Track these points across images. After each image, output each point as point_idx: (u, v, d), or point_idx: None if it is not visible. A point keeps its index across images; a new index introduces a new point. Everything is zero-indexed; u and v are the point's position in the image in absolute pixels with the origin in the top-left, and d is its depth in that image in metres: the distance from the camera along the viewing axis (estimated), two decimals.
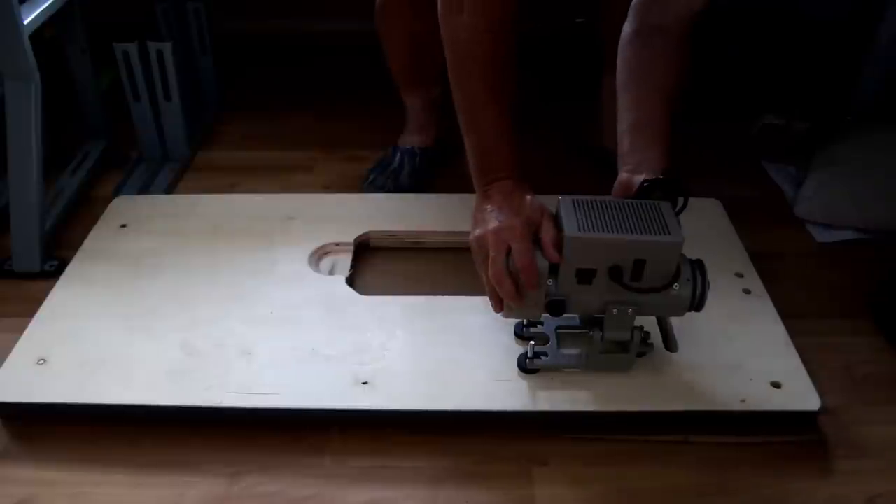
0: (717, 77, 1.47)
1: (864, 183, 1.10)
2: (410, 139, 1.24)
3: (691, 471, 0.75)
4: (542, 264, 0.71)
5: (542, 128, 1.38)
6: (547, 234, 0.72)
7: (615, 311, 0.74)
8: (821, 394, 0.79)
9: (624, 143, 0.79)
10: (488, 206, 0.75)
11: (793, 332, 0.87)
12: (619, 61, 0.84)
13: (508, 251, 0.72)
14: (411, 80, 1.20)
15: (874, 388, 0.85)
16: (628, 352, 0.79)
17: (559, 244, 0.71)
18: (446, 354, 0.83)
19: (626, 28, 0.84)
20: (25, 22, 0.97)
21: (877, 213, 1.09)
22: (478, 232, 0.75)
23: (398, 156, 1.22)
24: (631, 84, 0.82)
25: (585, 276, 0.72)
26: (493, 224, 0.73)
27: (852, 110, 1.31)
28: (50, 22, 1.06)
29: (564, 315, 0.76)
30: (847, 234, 1.09)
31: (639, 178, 0.75)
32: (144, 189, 1.18)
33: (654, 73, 0.81)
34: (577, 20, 1.56)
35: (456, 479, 0.74)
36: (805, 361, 0.83)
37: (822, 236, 1.10)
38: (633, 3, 0.83)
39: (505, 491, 0.73)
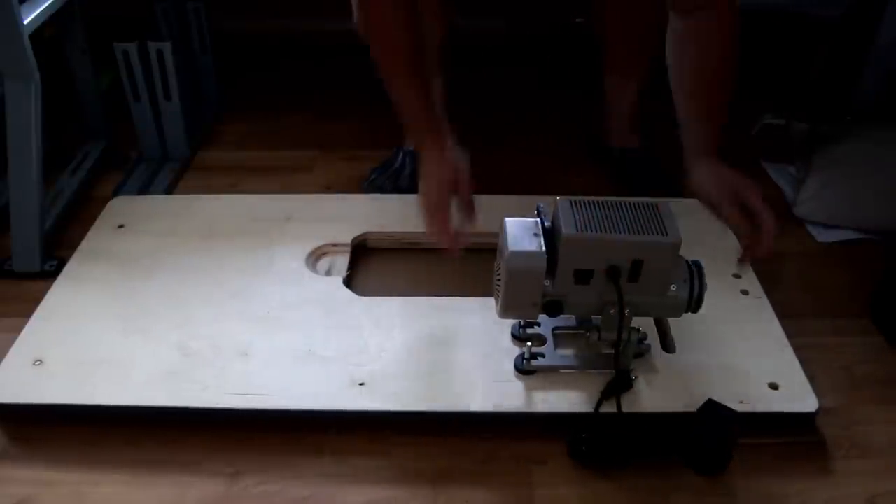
0: None
1: (864, 183, 1.09)
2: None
3: (690, 470, 0.75)
4: (540, 263, 0.71)
5: (544, 127, 1.38)
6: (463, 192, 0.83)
7: (612, 311, 0.74)
8: (820, 394, 0.79)
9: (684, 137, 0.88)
10: (421, 166, 0.86)
11: (793, 332, 0.87)
12: (668, 55, 0.89)
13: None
14: None
15: (874, 388, 0.85)
16: (625, 352, 0.78)
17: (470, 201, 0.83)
18: (443, 355, 0.83)
19: (669, 29, 0.88)
20: (25, 22, 0.97)
21: (877, 213, 1.09)
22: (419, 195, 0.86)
23: (401, 156, 1.22)
24: (678, 78, 0.88)
25: (583, 277, 0.72)
26: (424, 189, 0.84)
27: (852, 110, 1.30)
28: (50, 22, 1.06)
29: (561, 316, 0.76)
30: (847, 234, 1.09)
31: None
32: (144, 189, 1.18)
33: (702, 66, 0.86)
34: (577, 20, 1.56)
35: (455, 479, 0.74)
36: (805, 361, 0.83)
37: (822, 236, 1.09)
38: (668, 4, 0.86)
39: (504, 491, 0.73)
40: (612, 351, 0.76)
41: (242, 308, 0.90)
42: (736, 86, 0.88)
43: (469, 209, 0.84)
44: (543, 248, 0.72)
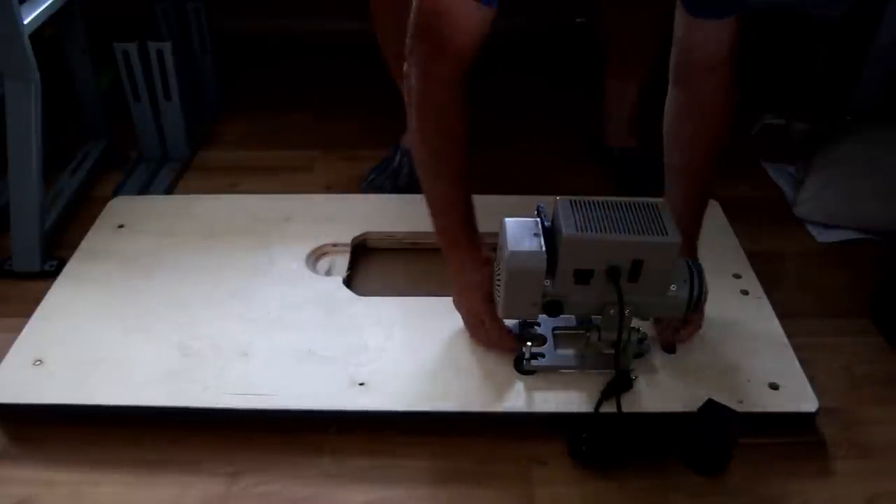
0: None
1: (864, 183, 1.09)
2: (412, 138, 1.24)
3: (690, 470, 0.75)
4: (540, 264, 0.71)
5: (544, 128, 1.38)
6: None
7: (612, 311, 0.74)
8: (820, 394, 0.79)
9: None
10: (456, 278, 0.85)
11: (793, 332, 0.87)
12: (665, 124, 0.88)
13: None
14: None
15: (874, 388, 0.85)
16: (625, 352, 0.78)
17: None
18: (443, 355, 0.83)
19: (669, 95, 0.87)
20: (25, 22, 0.97)
21: (877, 213, 1.09)
22: (460, 308, 0.86)
23: (399, 155, 1.22)
24: (674, 154, 0.87)
25: (583, 277, 0.72)
26: (465, 303, 0.84)
27: (852, 110, 1.30)
28: (50, 22, 1.06)
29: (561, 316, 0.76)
30: (847, 234, 1.09)
31: None
32: (144, 189, 1.18)
33: (693, 147, 0.85)
34: (577, 20, 1.56)
35: (456, 478, 0.75)
36: (805, 361, 0.83)
37: (822, 236, 1.09)
38: (670, 69, 0.86)
39: (505, 491, 0.73)
40: (612, 351, 0.76)
41: (242, 308, 0.90)
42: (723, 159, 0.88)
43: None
44: (543, 249, 0.72)
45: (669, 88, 0.87)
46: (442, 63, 0.77)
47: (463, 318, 0.85)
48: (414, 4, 0.77)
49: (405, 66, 0.79)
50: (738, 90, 0.83)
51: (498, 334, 0.82)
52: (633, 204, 0.73)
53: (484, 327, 0.83)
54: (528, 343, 0.81)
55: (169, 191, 1.19)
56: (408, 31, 0.79)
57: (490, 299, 0.80)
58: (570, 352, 0.83)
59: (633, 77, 1.18)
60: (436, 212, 0.83)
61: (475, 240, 0.83)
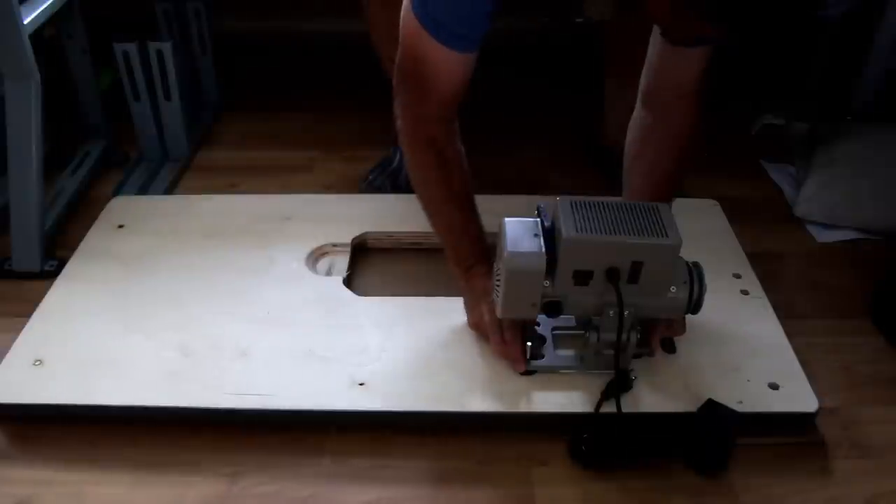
0: (716, 76, 1.47)
1: (864, 183, 1.10)
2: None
3: (690, 470, 0.75)
4: (539, 264, 0.71)
5: (544, 128, 1.38)
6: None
7: (612, 312, 0.74)
8: (820, 394, 0.79)
9: None
10: (472, 295, 0.85)
11: (793, 332, 0.87)
12: (626, 143, 0.89)
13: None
14: None
15: (874, 388, 0.85)
16: (625, 353, 0.78)
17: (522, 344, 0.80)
18: (443, 355, 0.83)
19: (636, 114, 0.88)
20: (25, 22, 0.97)
21: (877, 213, 1.09)
22: (472, 320, 0.85)
23: (398, 156, 1.22)
24: (634, 174, 0.88)
25: (582, 278, 0.72)
26: (482, 315, 0.83)
27: (852, 110, 1.30)
28: (50, 22, 1.06)
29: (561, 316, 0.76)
30: (847, 234, 1.09)
31: None
32: (144, 189, 1.18)
33: (653, 171, 0.86)
34: (577, 20, 1.56)
35: (456, 479, 0.75)
36: (805, 361, 0.83)
37: (822, 236, 1.09)
38: (639, 92, 0.87)
39: (505, 491, 0.73)
40: (612, 352, 0.76)
41: (242, 308, 0.89)
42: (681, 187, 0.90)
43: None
44: (543, 249, 0.72)
45: (637, 108, 0.88)
46: (427, 106, 0.80)
47: (480, 326, 0.84)
48: (399, 47, 0.78)
49: (394, 105, 0.82)
50: (703, 122, 0.85)
51: (517, 350, 0.81)
52: (634, 205, 0.73)
53: (503, 338, 0.81)
54: (528, 343, 0.82)
55: (169, 191, 1.19)
56: (394, 72, 0.81)
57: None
58: (569, 352, 0.83)
59: (632, 77, 1.18)
60: (441, 233, 0.86)
61: (485, 250, 0.83)
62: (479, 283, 0.83)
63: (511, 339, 0.80)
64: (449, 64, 0.77)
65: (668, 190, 0.86)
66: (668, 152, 0.86)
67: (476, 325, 0.85)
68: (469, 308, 0.86)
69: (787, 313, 0.90)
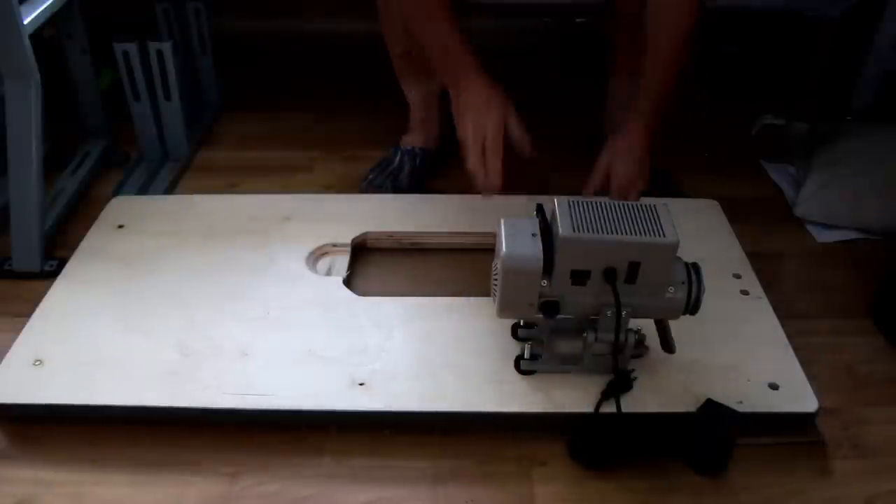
0: (715, 76, 1.47)
1: (864, 183, 1.09)
2: (412, 139, 1.24)
3: (690, 470, 0.75)
4: (536, 264, 0.71)
5: (544, 127, 1.38)
6: (515, 130, 0.84)
7: (609, 312, 0.74)
8: (820, 394, 0.79)
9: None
10: (463, 106, 0.86)
11: (793, 332, 0.87)
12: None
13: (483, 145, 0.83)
14: (411, 66, 1.19)
15: (874, 388, 0.85)
16: (623, 353, 0.78)
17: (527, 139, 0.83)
18: (443, 356, 0.83)
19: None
20: (25, 22, 0.97)
21: (877, 213, 1.09)
22: (460, 133, 0.86)
23: (398, 155, 1.22)
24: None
25: (580, 278, 0.72)
26: (470, 124, 0.84)
27: (852, 110, 1.31)
28: (50, 22, 1.06)
29: (560, 316, 0.75)
30: (847, 234, 1.09)
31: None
32: (144, 189, 1.18)
33: (654, 41, 0.92)
34: (578, 20, 1.56)
35: (456, 479, 0.74)
36: (805, 361, 0.83)
37: (822, 236, 1.09)
38: None
39: (505, 491, 0.73)
40: (611, 352, 0.76)
41: (243, 308, 0.90)
42: (685, 73, 0.93)
43: (524, 139, 0.85)
44: (540, 249, 0.71)
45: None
46: None
47: (465, 138, 0.84)
48: None
49: None
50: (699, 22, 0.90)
51: (493, 165, 0.82)
52: (632, 205, 0.73)
53: (482, 153, 0.82)
54: (527, 343, 0.81)
55: (169, 191, 1.19)
56: None
57: (503, 120, 0.82)
58: (568, 352, 0.82)
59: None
60: (431, 46, 0.87)
61: (478, 62, 0.85)
62: (471, 94, 0.84)
63: (491, 157, 0.81)
64: None
65: (668, 67, 0.91)
66: (668, 26, 0.90)
67: (462, 139, 0.86)
68: (458, 120, 0.87)
69: (787, 313, 0.90)
